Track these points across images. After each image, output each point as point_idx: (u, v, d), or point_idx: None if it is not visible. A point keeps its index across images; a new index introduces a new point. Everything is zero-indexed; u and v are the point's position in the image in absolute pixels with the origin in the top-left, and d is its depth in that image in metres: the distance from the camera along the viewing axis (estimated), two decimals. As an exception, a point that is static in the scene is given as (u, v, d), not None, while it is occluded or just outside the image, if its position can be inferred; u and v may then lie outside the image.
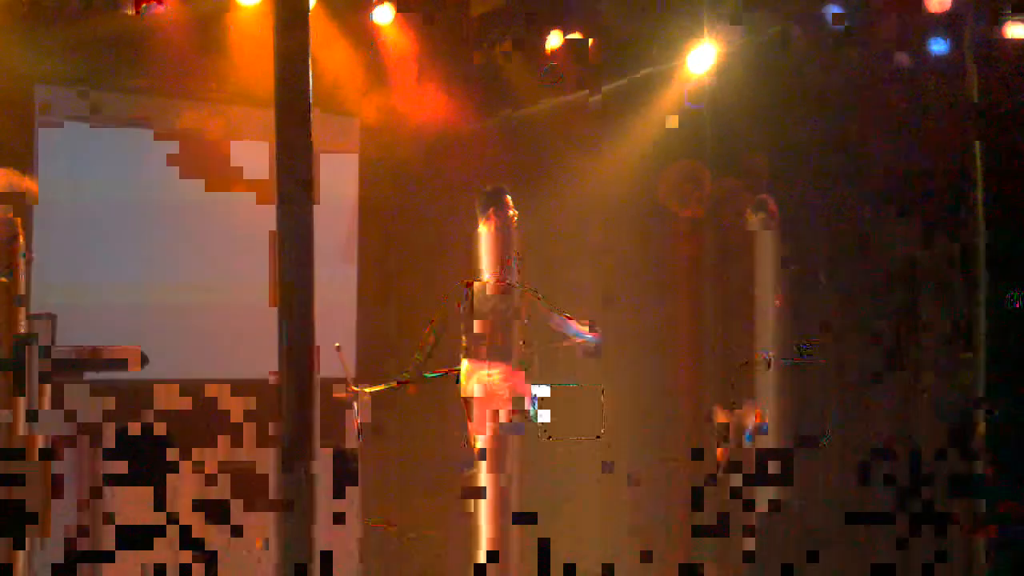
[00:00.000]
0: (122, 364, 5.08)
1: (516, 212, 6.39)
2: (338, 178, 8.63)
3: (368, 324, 8.49)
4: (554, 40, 8.29)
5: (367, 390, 6.47)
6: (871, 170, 8.06)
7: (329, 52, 7.20)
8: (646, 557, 6.76)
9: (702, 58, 8.19)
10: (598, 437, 6.12)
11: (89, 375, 5.85)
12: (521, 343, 6.22)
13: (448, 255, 7.28)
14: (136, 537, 5.79)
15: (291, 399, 4.82)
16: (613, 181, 8.61)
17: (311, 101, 5.31)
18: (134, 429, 6.26)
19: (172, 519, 6.18)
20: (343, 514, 6.02)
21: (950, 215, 8.04)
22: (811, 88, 8.13)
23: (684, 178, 8.68)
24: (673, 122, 8.60)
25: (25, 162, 7.18)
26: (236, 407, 6.76)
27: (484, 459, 6.12)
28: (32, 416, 5.11)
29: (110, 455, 6.27)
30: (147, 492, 6.09)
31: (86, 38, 6.97)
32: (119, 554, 5.90)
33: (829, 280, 7.11)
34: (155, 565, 6.07)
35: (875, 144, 7.97)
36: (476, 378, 6.08)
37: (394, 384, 6.50)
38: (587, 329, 6.38)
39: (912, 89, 7.87)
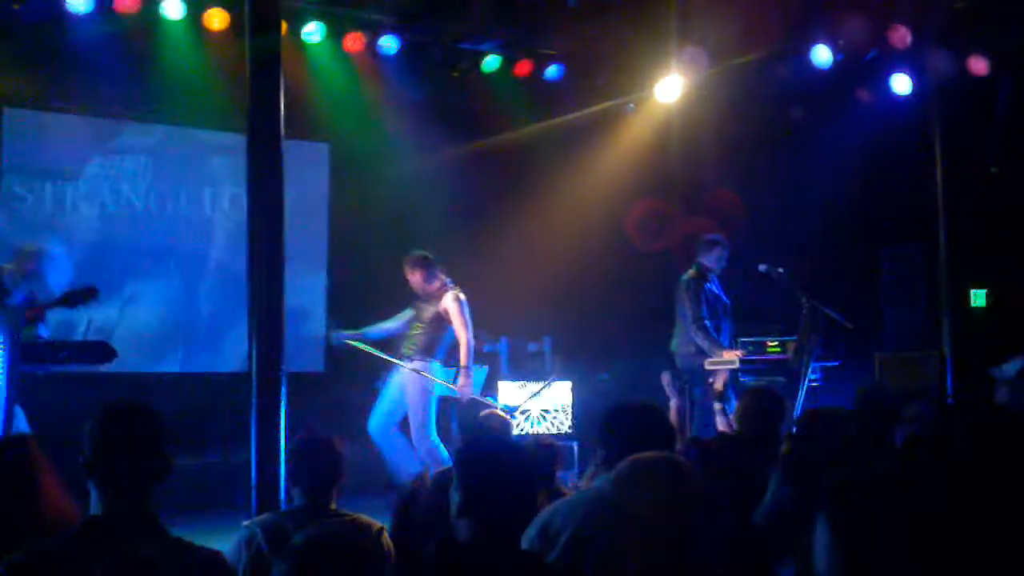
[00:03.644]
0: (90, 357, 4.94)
1: None
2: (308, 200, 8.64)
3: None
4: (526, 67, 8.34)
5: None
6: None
7: (300, 78, 7.18)
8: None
9: (670, 89, 8.23)
10: None
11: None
12: None
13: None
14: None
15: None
16: (579, 207, 8.66)
17: (283, 126, 5.32)
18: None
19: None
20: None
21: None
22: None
23: (650, 215, 8.71)
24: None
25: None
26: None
27: None
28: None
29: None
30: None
31: (39, 58, 6.94)
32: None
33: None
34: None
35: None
36: None
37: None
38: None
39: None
